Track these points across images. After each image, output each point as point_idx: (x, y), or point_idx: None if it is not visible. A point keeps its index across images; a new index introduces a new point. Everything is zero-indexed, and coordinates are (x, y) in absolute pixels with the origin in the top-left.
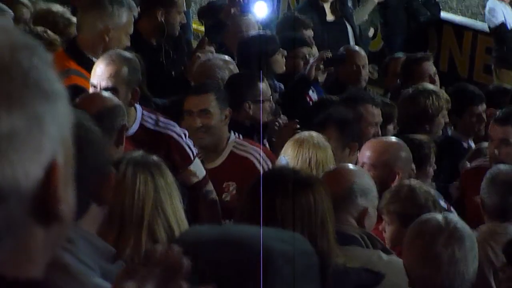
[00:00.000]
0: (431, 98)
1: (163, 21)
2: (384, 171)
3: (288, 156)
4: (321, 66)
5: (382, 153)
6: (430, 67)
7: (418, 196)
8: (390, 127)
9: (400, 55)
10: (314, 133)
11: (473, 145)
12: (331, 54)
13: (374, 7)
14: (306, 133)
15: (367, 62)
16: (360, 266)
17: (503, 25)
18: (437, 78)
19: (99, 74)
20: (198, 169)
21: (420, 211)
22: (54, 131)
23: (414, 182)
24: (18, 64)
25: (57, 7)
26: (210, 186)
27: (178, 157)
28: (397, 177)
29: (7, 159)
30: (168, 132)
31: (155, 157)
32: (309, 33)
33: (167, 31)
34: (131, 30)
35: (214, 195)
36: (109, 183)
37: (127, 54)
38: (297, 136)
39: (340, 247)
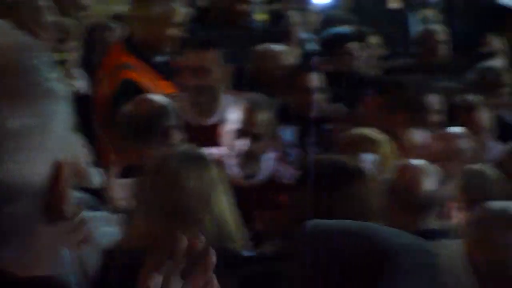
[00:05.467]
0: None
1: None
2: (452, 159)
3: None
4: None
5: (451, 143)
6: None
7: (494, 181)
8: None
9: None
10: (369, 130)
11: None
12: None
13: None
14: (361, 132)
15: (445, 38)
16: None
17: None
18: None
19: None
20: None
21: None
22: (59, 130)
23: (485, 167)
24: (22, 64)
25: None
26: None
27: None
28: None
29: (14, 158)
30: None
31: (203, 151)
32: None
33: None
34: (180, 19)
35: None
36: None
37: None
38: (354, 134)
39: (433, 243)
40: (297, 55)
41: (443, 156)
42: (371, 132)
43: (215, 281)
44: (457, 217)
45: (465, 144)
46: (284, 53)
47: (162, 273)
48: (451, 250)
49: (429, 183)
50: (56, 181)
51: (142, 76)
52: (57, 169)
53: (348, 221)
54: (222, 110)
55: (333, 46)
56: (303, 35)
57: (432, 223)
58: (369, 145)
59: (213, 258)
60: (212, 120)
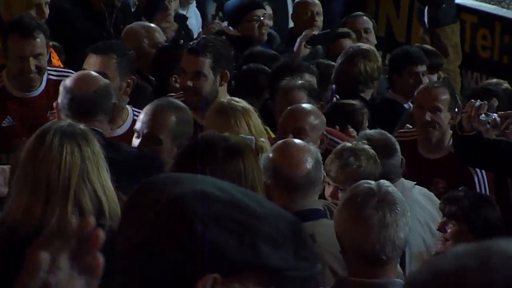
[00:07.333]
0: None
1: None
2: (317, 135)
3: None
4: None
5: (315, 118)
6: (361, 23)
7: (368, 159)
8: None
9: (359, 13)
10: (238, 99)
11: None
12: (317, 32)
13: None
14: (231, 100)
15: (321, 10)
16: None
17: None
18: (372, 37)
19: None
20: None
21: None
22: None
23: (359, 144)
24: None
25: None
26: None
27: None
28: (325, 140)
29: None
30: None
31: (82, 127)
32: None
33: None
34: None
35: None
36: None
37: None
38: (222, 104)
39: (313, 222)
40: (173, 31)
41: (295, 132)
42: (243, 102)
43: (101, 260)
44: (337, 196)
45: (314, 120)
46: (156, 31)
47: (50, 251)
48: (331, 229)
49: (309, 162)
50: None
51: None
52: None
53: (181, 175)
54: None
55: (241, 12)
56: (182, 11)
57: (313, 202)
58: (239, 113)
59: (101, 239)
60: None
